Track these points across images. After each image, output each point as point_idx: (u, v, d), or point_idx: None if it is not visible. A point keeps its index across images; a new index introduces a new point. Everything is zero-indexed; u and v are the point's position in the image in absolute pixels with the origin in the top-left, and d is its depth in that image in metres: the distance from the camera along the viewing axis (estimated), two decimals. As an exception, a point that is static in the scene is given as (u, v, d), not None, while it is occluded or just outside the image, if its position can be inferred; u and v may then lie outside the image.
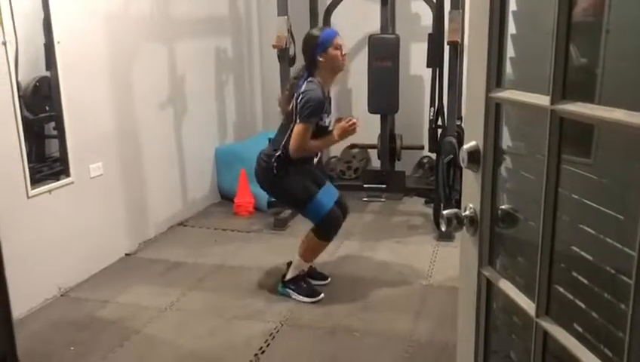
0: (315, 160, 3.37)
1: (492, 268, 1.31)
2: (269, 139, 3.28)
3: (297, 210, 3.27)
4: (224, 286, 3.56)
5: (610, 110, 0.91)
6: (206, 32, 4.94)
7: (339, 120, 3.21)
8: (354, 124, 3.15)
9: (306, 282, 3.37)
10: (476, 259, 1.32)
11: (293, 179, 3.14)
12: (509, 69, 1.24)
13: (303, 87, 3.03)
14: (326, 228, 3.23)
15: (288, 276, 3.34)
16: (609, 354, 1.01)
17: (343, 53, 3.12)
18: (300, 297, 3.30)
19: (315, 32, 3.22)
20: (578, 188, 1.12)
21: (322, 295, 3.32)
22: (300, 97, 3.01)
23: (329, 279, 3.55)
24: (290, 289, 3.33)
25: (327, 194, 3.25)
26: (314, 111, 3.00)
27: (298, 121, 3.00)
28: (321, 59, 3.07)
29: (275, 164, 3.08)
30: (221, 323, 3.10)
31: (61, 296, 3.42)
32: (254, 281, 3.60)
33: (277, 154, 3.09)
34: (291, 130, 3.04)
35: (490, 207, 1.28)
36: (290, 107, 3.09)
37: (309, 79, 3.08)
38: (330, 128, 3.21)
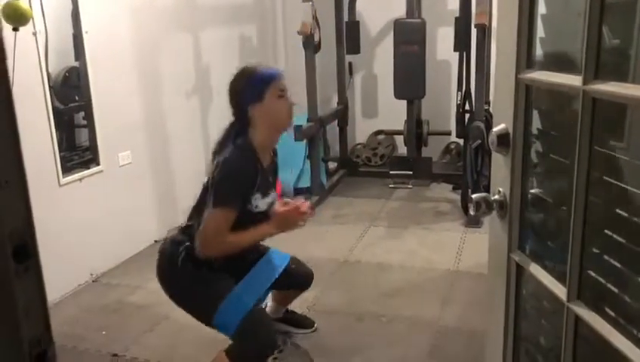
0: (253, 257, 2.37)
1: (522, 253, 1.29)
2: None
3: (206, 325, 2.22)
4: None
5: (645, 89, 0.88)
6: (231, 20, 4.95)
7: (284, 203, 2.22)
8: (301, 211, 2.17)
9: None
10: (506, 243, 1.30)
11: (199, 278, 2.18)
12: (539, 49, 1.21)
13: (225, 155, 2.10)
14: (244, 344, 2.12)
15: None
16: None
17: (289, 103, 2.20)
18: None
19: (245, 70, 2.23)
20: (609, 170, 1.10)
21: None
22: (218, 169, 2.08)
23: (315, 327, 2.81)
24: None
25: (249, 286, 2.23)
26: (235, 191, 2.08)
27: (211, 204, 2.05)
28: (254, 112, 2.14)
29: (183, 254, 2.17)
30: (249, 308, 3.12)
31: (93, 281, 3.49)
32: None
33: (187, 244, 2.18)
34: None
35: (520, 190, 1.26)
36: (206, 181, 2.17)
37: (237, 142, 2.13)
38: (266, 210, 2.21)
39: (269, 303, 2.72)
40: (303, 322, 2.83)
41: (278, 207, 2.18)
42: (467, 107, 4.40)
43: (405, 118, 4.91)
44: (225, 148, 2.14)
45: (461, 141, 4.62)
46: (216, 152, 2.19)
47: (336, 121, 5.27)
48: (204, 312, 2.18)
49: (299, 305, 3.09)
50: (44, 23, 3.08)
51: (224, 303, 2.11)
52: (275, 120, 2.17)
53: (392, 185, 5.05)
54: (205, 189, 2.17)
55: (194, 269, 2.16)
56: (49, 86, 3.15)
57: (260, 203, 2.15)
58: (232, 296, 2.14)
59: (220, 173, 2.07)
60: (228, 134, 2.20)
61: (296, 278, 2.54)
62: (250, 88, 2.15)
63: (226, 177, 2.07)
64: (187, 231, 2.22)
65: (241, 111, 2.16)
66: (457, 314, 2.97)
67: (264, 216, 2.18)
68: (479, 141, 3.90)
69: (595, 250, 1.11)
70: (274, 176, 2.36)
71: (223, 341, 2.82)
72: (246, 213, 2.11)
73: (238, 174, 2.09)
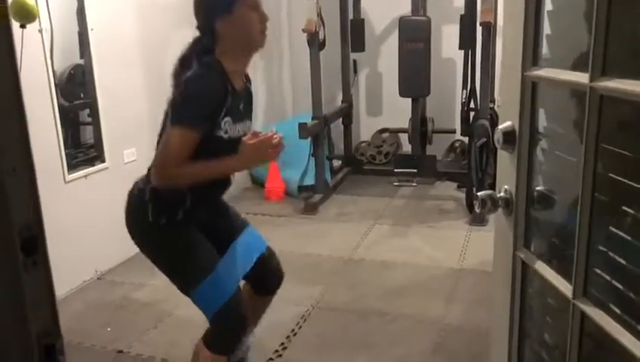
0: (223, 193, 2.07)
1: (527, 251, 1.29)
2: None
3: (180, 291, 1.98)
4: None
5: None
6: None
7: (254, 134, 1.88)
8: (272, 143, 1.83)
9: None
10: (511, 241, 1.30)
11: (178, 238, 1.93)
12: (545, 47, 1.21)
13: (190, 73, 1.80)
14: (222, 331, 1.96)
15: None
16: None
17: (263, 17, 1.91)
18: None
19: None
20: (614, 168, 1.09)
21: None
22: (181, 88, 1.80)
23: None
24: None
25: (231, 268, 1.99)
26: (200, 110, 1.78)
27: (170, 124, 1.77)
28: (221, 26, 1.83)
29: (152, 205, 1.89)
30: (253, 306, 3.13)
31: (98, 278, 3.51)
32: (285, 265, 3.61)
33: (152, 185, 1.87)
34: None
35: (525, 188, 1.26)
36: (167, 104, 1.85)
37: (203, 59, 1.84)
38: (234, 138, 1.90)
39: None
40: None
41: (247, 139, 1.85)
42: (472, 105, 4.39)
43: (410, 115, 4.91)
44: (187, 67, 1.82)
45: (466, 139, 4.62)
46: (176, 73, 1.87)
47: (340, 119, 5.27)
48: (182, 283, 1.96)
49: (303, 301, 3.09)
50: (50, 20, 3.08)
51: (205, 284, 1.89)
52: (246, 35, 1.85)
53: (396, 183, 5.05)
54: (166, 115, 1.84)
55: (169, 223, 1.89)
56: (54, 83, 3.16)
57: (230, 128, 1.84)
58: (214, 278, 1.90)
59: (182, 92, 1.77)
60: (191, 52, 1.88)
61: (269, 270, 2.20)
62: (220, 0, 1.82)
63: (191, 96, 1.77)
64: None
65: (207, 25, 1.85)
66: (461, 312, 2.97)
67: (235, 149, 1.84)
68: (484, 139, 3.90)
69: (600, 247, 1.11)
70: (249, 105, 2.01)
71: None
72: (216, 141, 1.81)
73: (205, 92, 1.78)
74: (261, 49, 1.93)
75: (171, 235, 1.92)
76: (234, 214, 2.17)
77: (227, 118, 1.83)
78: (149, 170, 1.93)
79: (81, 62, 3.47)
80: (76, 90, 3.52)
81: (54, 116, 3.15)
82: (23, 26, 2.66)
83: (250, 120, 2.02)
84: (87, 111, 3.60)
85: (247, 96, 2.01)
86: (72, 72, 3.46)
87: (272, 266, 2.22)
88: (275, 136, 1.86)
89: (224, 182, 1.99)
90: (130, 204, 2.01)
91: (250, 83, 2.04)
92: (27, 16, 2.67)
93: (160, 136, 1.90)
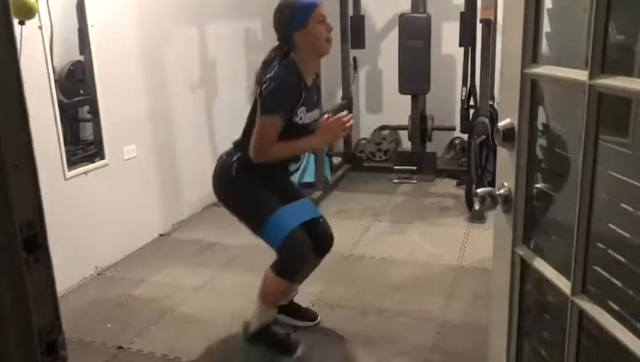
0: (295, 167, 2.61)
1: (526, 247, 1.29)
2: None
3: (253, 231, 2.49)
4: (257, 266, 3.56)
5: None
6: (236, 13, 4.95)
7: (327, 116, 2.46)
8: (344, 122, 2.41)
9: (275, 335, 2.57)
10: (510, 238, 1.31)
11: (251, 188, 2.43)
12: (545, 44, 1.21)
13: (272, 72, 2.31)
14: (285, 258, 2.41)
15: (251, 328, 2.54)
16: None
17: (329, 29, 2.38)
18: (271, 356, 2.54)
19: (289, 0, 2.40)
20: (614, 165, 1.10)
21: (300, 349, 2.55)
22: (266, 84, 2.28)
23: (318, 320, 2.84)
24: (257, 344, 2.54)
25: (293, 213, 2.46)
26: (282, 101, 2.28)
27: (260, 113, 2.28)
28: (298, 37, 2.33)
29: (235, 164, 2.43)
30: (253, 302, 3.13)
31: (98, 274, 3.51)
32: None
33: (238, 155, 2.44)
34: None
35: (525, 185, 1.27)
36: (254, 98, 2.37)
37: (283, 62, 2.35)
38: (310, 124, 2.44)
39: None
40: (306, 314, 2.87)
41: (324, 120, 2.43)
42: (472, 102, 4.39)
43: (410, 113, 4.91)
44: (269, 68, 2.35)
45: (465, 136, 4.62)
46: (260, 73, 2.39)
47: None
48: (253, 222, 2.46)
49: (303, 299, 3.10)
50: (50, 16, 3.08)
51: (272, 220, 2.37)
52: (316, 44, 2.35)
53: (396, 181, 5.06)
54: (253, 108, 2.38)
55: (246, 178, 2.41)
56: (54, 80, 3.16)
57: (304, 116, 2.36)
58: (280, 215, 2.39)
59: (268, 86, 2.26)
60: (271, 57, 2.42)
61: (322, 232, 2.63)
62: (296, 16, 2.33)
63: (275, 89, 2.26)
64: (238, 145, 2.47)
65: (286, 38, 2.37)
66: (461, 309, 2.98)
67: (308, 131, 2.40)
68: (484, 136, 3.91)
69: (599, 244, 1.12)
70: (318, 96, 2.59)
71: (226, 335, 2.84)
72: (293, 125, 2.32)
73: (286, 87, 2.29)
74: (327, 54, 2.43)
75: (246, 187, 2.42)
76: (296, 187, 2.78)
77: (302, 108, 2.34)
78: (234, 143, 2.52)
79: (81, 58, 3.47)
80: (76, 86, 3.52)
81: (54, 113, 3.15)
82: (22, 23, 2.66)
83: (319, 108, 2.54)
84: (87, 107, 3.60)
85: (317, 90, 2.57)
86: (72, 68, 3.45)
87: (325, 232, 2.65)
88: (346, 118, 2.40)
89: (292, 158, 2.53)
90: (218, 166, 2.53)
91: (319, 79, 2.58)
92: (26, 13, 2.67)
93: (247, 123, 2.44)
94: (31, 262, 0.68)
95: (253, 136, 2.31)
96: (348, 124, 2.42)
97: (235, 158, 2.43)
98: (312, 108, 2.42)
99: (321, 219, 2.64)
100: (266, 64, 2.40)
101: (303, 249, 2.41)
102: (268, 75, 2.29)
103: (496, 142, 1.29)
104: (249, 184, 2.42)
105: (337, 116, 2.43)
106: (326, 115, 2.49)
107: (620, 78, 0.94)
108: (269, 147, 2.29)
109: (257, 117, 2.29)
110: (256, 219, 2.43)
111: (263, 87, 2.28)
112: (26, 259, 0.67)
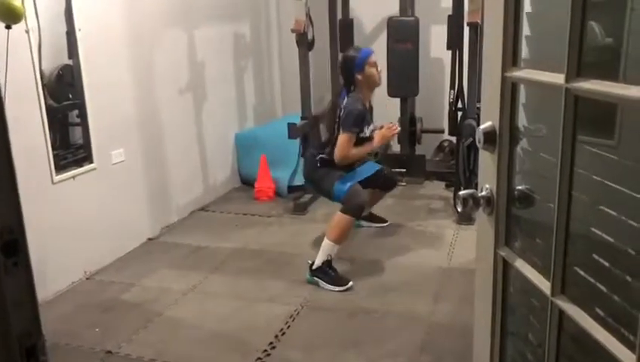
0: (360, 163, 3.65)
1: (508, 249, 1.31)
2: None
3: (327, 197, 3.56)
4: (245, 269, 3.61)
5: (626, 87, 0.90)
6: (224, 17, 4.95)
7: (380, 127, 3.54)
8: (393, 131, 3.53)
9: (333, 270, 3.31)
10: (492, 239, 1.32)
11: (326, 173, 3.46)
12: (525, 48, 1.23)
13: (345, 102, 3.38)
14: (346, 201, 3.31)
15: (316, 263, 3.29)
16: (625, 333, 1.01)
17: (379, 69, 3.45)
18: (328, 286, 3.26)
19: (352, 52, 3.49)
20: (600, 170, 1.11)
21: (351, 283, 3.26)
22: (343, 110, 3.34)
23: (388, 222, 4.14)
24: (318, 278, 3.29)
25: (353, 176, 3.44)
26: (356, 122, 3.33)
27: (341, 131, 3.33)
28: (359, 77, 3.38)
29: (319, 160, 3.49)
30: (242, 305, 3.14)
31: (87, 279, 3.50)
32: (275, 265, 3.64)
33: (320, 155, 3.50)
34: (335, 141, 3.39)
35: (506, 187, 1.28)
36: (335, 122, 3.43)
37: (350, 95, 3.40)
38: (369, 135, 3.50)
39: None
40: (380, 219, 4.16)
41: (377, 129, 3.54)
42: (460, 105, 4.41)
43: (399, 115, 4.93)
44: (340, 100, 3.45)
45: (454, 139, 4.64)
46: (333, 103, 3.56)
47: (330, 119, 5.28)
48: (328, 189, 3.44)
49: (292, 301, 3.11)
50: (37, 20, 3.07)
51: (338, 183, 3.37)
52: (370, 81, 3.44)
53: (385, 183, 5.06)
54: (332, 125, 3.45)
55: (325, 168, 3.44)
56: (42, 84, 3.15)
57: (367, 131, 3.46)
58: (343, 179, 3.38)
59: (345, 112, 3.34)
60: (339, 92, 3.54)
61: (384, 180, 3.78)
62: (357, 62, 3.39)
63: (350, 114, 3.32)
64: (322, 148, 3.54)
65: (350, 77, 3.42)
66: (449, 309, 3.00)
67: (369, 139, 3.48)
68: (472, 139, 3.92)
69: (578, 246, 1.13)
70: (371, 117, 3.58)
71: (215, 338, 2.84)
72: (360, 138, 3.40)
73: (357, 113, 3.33)
74: (378, 86, 3.59)
75: (324, 171, 3.46)
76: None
77: (365, 126, 3.43)
78: (316, 146, 3.75)
79: (70, 62, 3.46)
80: (65, 90, 3.51)
81: (42, 117, 3.14)
82: (8, 27, 2.65)
83: (372, 123, 3.56)
84: (76, 111, 3.58)
85: (370, 112, 3.60)
86: (60, 72, 3.44)
87: (386, 176, 3.80)
88: (392, 127, 3.55)
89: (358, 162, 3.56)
90: (307, 161, 3.66)
91: (371, 104, 3.64)
92: (12, 17, 2.66)
93: (329, 137, 3.52)
94: (9, 265, 0.68)
95: (337, 147, 3.34)
96: (394, 130, 3.55)
97: (318, 157, 3.47)
98: (369, 125, 3.47)
99: (383, 170, 3.75)
100: (336, 96, 3.62)
101: (357, 194, 3.34)
102: (343, 105, 3.37)
103: (478, 145, 1.30)
104: (326, 170, 3.44)
105: (387, 126, 3.54)
106: (379, 125, 3.57)
107: (594, 82, 0.95)
108: (348, 153, 3.36)
109: (339, 134, 3.34)
110: (329, 188, 3.42)
111: (341, 113, 3.35)
112: (4, 263, 0.67)
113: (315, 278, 3.30)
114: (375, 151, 3.66)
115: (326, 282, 3.27)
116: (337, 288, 3.25)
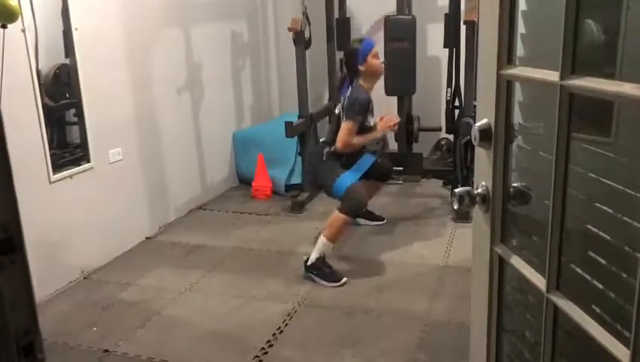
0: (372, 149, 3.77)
1: (504, 246, 1.31)
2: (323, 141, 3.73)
3: (326, 191, 3.63)
4: (243, 268, 3.61)
5: (620, 84, 0.90)
6: (221, 16, 4.95)
7: (382, 117, 3.59)
8: (395, 123, 3.65)
9: (328, 266, 3.36)
10: (488, 236, 1.33)
11: (329, 167, 3.52)
12: (520, 46, 1.23)
13: (349, 91, 3.45)
14: (345, 200, 3.35)
15: (311, 259, 3.34)
16: (620, 329, 1.02)
17: (379, 59, 3.57)
18: (323, 282, 3.31)
19: (356, 44, 3.58)
20: (596, 167, 1.11)
21: (345, 279, 3.31)
22: (348, 100, 3.42)
23: (385, 220, 4.16)
24: (312, 273, 3.34)
25: (352, 173, 3.47)
26: (359, 110, 3.38)
27: (345, 119, 3.39)
28: (362, 67, 3.45)
29: (325, 154, 3.55)
30: (240, 304, 3.15)
31: (84, 278, 3.50)
32: (272, 263, 3.64)
33: (327, 148, 3.55)
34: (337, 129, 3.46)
35: (502, 184, 1.29)
36: (337, 111, 3.56)
37: (353, 84, 3.48)
38: (373, 125, 3.57)
39: None
40: (377, 217, 4.18)
41: (378, 120, 3.59)
42: (457, 103, 4.42)
43: (396, 114, 4.92)
44: (343, 89, 3.56)
45: (451, 137, 4.65)
46: (338, 92, 3.71)
47: (327, 118, 5.28)
48: (328, 185, 3.47)
49: (289, 299, 3.12)
50: (34, 19, 3.07)
51: (338, 180, 3.39)
52: (373, 72, 3.52)
53: (383, 181, 5.07)
54: (338, 118, 3.52)
55: (331, 162, 3.48)
56: (39, 83, 3.14)
57: (370, 120, 3.53)
58: (343, 176, 3.41)
59: (349, 102, 3.39)
60: (343, 82, 3.66)
61: (380, 168, 3.75)
62: (360, 53, 3.47)
63: (354, 102, 3.38)
64: (328, 141, 3.55)
65: (354, 68, 3.49)
66: (446, 307, 3.00)
67: (372, 128, 3.53)
68: (468, 137, 3.93)
69: (574, 243, 1.14)
70: (373, 106, 3.58)
71: (213, 336, 2.85)
72: (364, 127, 3.44)
73: (362, 100, 3.40)
74: (381, 75, 3.70)
75: (329, 165, 3.49)
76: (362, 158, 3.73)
77: (369, 115, 3.49)
78: (322, 142, 3.66)
79: (67, 61, 3.45)
80: (62, 90, 3.50)
81: (38, 116, 3.14)
82: (4, 26, 2.64)
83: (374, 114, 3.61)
84: (73, 111, 3.58)
85: (373, 102, 3.56)
86: (57, 71, 3.43)
87: (382, 167, 3.80)
88: (393, 118, 3.66)
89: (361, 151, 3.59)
90: (315, 152, 3.69)
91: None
92: (8, 16, 2.65)
93: (334, 128, 3.56)
94: (6, 264, 0.68)
95: (340, 134, 3.39)
96: (395, 121, 3.65)
97: (325, 151, 3.51)
98: (372, 115, 3.55)
99: (378, 160, 3.72)
100: (340, 85, 3.74)
101: (358, 196, 3.38)
102: (346, 94, 3.46)
103: (474, 143, 1.31)
104: (331, 164, 3.48)
105: (388, 117, 3.61)
106: (379, 116, 3.61)
107: (589, 79, 0.96)
108: (351, 140, 3.38)
109: (342, 121, 3.40)
110: (329, 184, 3.46)
111: (345, 102, 3.43)
112: (1, 261, 0.67)
113: (310, 274, 3.35)
114: (379, 139, 3.70)
115: (320, 278, 3.32)
116: (331, 284, 3.29)
